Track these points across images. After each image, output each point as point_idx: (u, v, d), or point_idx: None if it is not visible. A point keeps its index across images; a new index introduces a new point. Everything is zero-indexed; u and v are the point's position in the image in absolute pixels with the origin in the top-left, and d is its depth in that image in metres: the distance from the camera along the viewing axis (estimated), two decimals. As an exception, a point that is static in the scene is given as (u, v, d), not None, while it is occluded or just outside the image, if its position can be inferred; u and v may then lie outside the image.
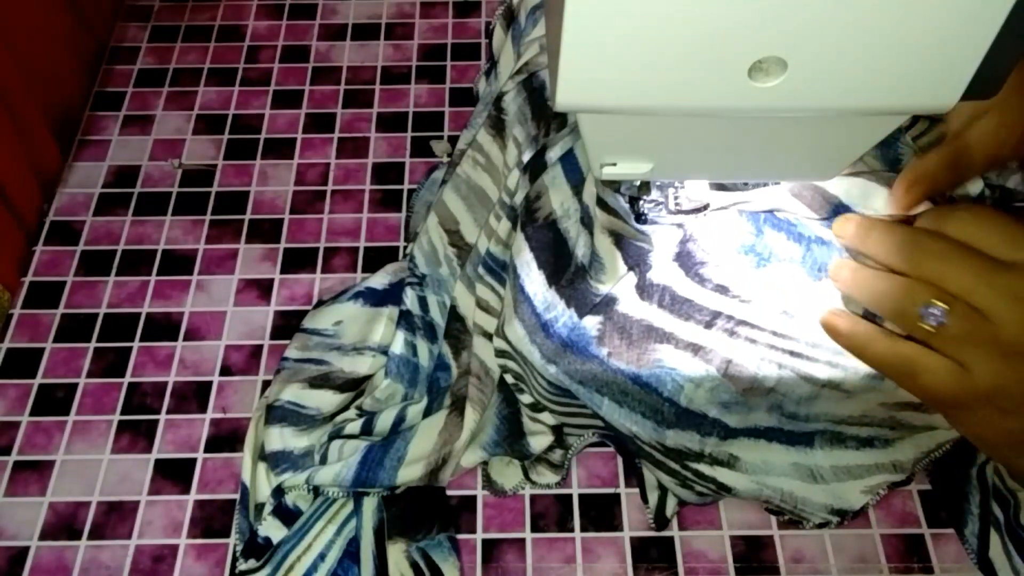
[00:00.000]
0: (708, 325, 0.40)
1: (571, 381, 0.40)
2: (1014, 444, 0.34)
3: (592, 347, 0.40)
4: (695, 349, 0.39)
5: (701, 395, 0.39)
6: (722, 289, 0.40)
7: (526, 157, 0.44)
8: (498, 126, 0.48)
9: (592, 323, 0.40)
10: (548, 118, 0.45)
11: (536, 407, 0.47)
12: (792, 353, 0.39)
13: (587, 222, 0.42)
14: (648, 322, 0.40)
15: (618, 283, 0.41)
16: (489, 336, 0.47)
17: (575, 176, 0.42)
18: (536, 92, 0.46)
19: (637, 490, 0.48)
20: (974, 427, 0.35)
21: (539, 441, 0.47)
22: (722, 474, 0.42)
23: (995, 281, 0.33)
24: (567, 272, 0.42)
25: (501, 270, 0.46)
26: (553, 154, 0.43)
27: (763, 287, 0.40)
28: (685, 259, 0.41)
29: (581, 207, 0.42)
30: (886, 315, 0.35)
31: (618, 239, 0.42)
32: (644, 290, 0.41)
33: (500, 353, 0.45)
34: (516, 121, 0.46)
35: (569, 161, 0.42)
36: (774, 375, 0.39)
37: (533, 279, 0.41)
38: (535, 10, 0.49)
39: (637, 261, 0.41)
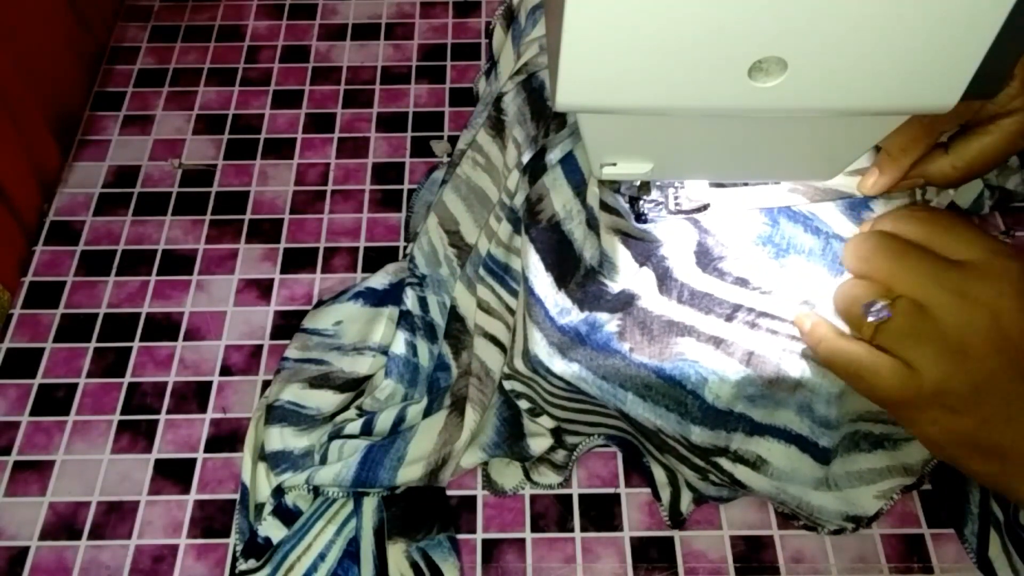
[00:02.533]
0: (729, 318, 0.40)
1: (594, 377, 0.40)
2: (963, 444, 0.34)
3: (613, 343, 0.40)
4: (717, 342, 0.39)
5: (727, 390, 0.39)
6: (742, 282, 0.40)
7: (526, 158, 0.44)
8: (498, 127, 0.48)
9: (611, 319, 0.40)
10: (548, 118, 0.45)
11: (534, 412, 0.47)
12: None
13: (593, 224, 0.42)
14: (668, 317, 0.40)
15: (635, 280, 0.41)
16: (490, 337, 0.47)
17: (576, 178, 0.42)
18: (535, 92, 0.46)
19: (637, 490, 0.48)
20: (924, 427, 0.34)
21: (539, 443, 0.47)
22: (741, 472, 0.42)
23: (941, 277, 0.33)
24: (576, 275, 0.42)
25: (503, 272, 0.46)
26: (553, 156, 0.43)
27: (783, 278, 0.40)
28: (703, 254, 0.41)
29: (585, 209, 0.42)
30: (839, 316, 0.36)
31: (623, 238, 0.42)
32: (663, 286, 0.41)
33: (509, 376, 0.45)
34: (516, 122, 0.46)
35: (570, 163, 0.42)
36: (797, 366, 0.39)
37: (541, 281, 0.41)
38: (535, 10, 0.49)
39: (647, 257, 0.41)
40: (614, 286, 0.41)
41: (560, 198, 0.42)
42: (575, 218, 0.42)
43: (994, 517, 0.45)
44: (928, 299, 0.33)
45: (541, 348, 0.41)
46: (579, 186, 0.42)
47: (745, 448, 0.42)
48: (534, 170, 0.43)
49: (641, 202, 0.43)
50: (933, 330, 0.33)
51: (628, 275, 0.41)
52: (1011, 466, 0.34)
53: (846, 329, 0.37)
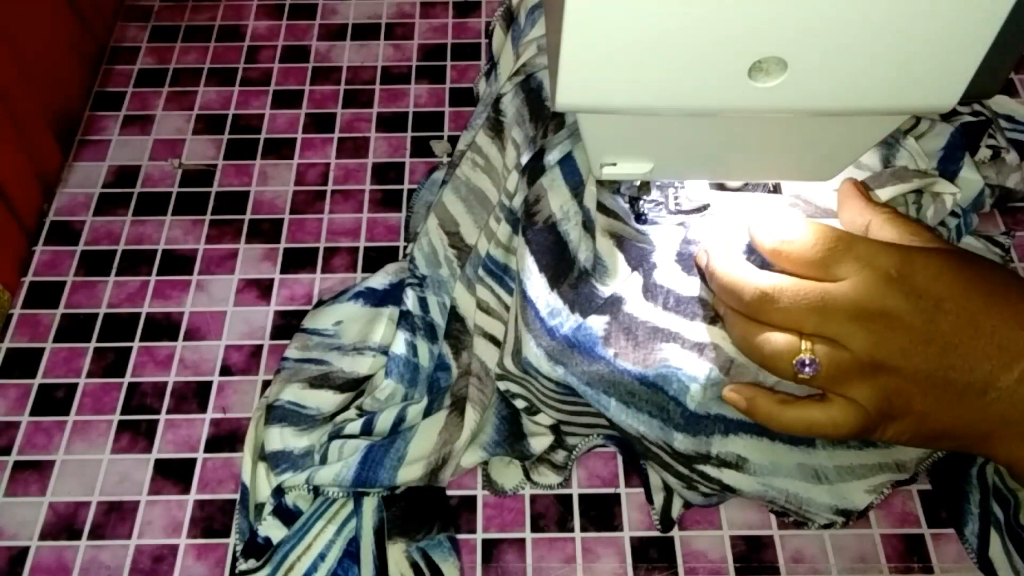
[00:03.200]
0: (713, 320, 0.40)
1: (579, 383, 0.40)
2: (921, 437, 0.36)
3: (598, 348, 0.40)
4: (700, 349, 0.39)
5: (708, 395, 0.39)
6: None
7: (524, 159, 0.44)
8: (496, 128, 0.48)
9: (598, 324, 0.40)
10: (546, 119, 0.45)
11: (530, 411, 0.47)
12: None
13: (589, 226, 0.42)
14: (653, 324, 0.40)
15: (623, 284, 0.41)
16: (489, 337, 0.47)
17: (574, 179, 0.42)
18: (533, 93, 0.46)
19: (637, 490, 0.48)
20: (885, 436, 0.36)
21: (539, 442, 0.47)
22: (728, 475, 0.42)
23: (829, 308, 0.34)
24: (569, 276, 0.42)
25: (502, 272, 0.46)
26: (552, 157, 0.43)
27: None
28: (687, 259, 0.41)
29: (582, 211, 0.42)
30: (767, 370, 0.37)
31: (619, 241, 0.42)
32: (649, 291, 0.41)
33: (502, 377, 0.45)
34: (514, 123, 0.46)
35: (568, 164, 0.42)
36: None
37: (535, 283, 0.41)
38: (534, 10, 0.49)
39: (640, 262, 0.41)
40: (605, 289, 0.41)
41: (557, 199, 0.42)
42: (571, 219, 0.42)
43: (994, 517, 0.45)
44: (829, 332, 0.34)
45: (531, 351, 0.41)
46: (577, 187, 0.42)
47: (725, 450, 0.42)
48: (532, 171, 0.43)
49: (641, 202, 0.43)
50: (849, 359, 0.34)
51: (620, 279, 0.41)
52: (968, 441, 0.35)
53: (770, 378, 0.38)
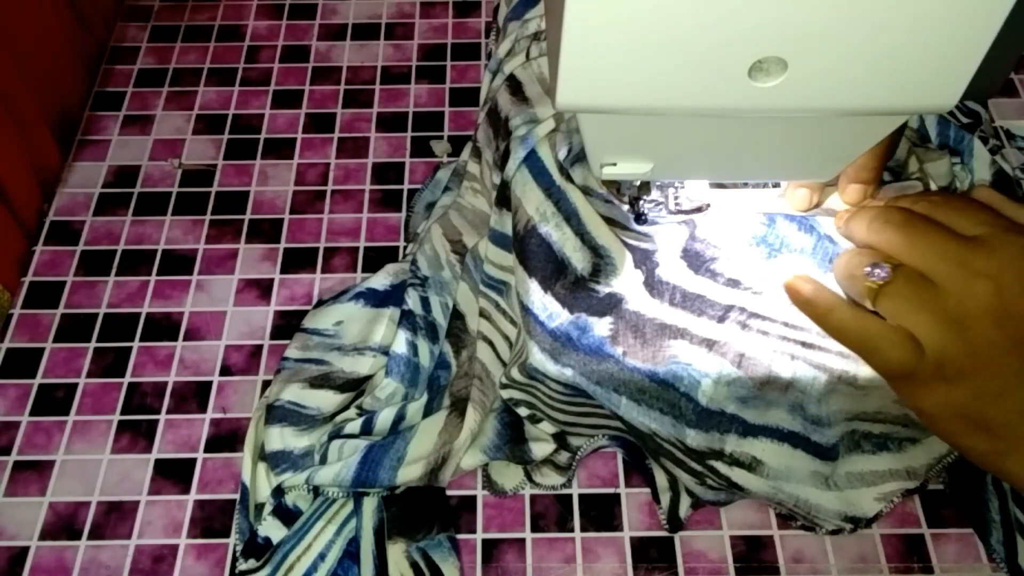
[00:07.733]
0: (721, 319, 0.40)
1: (588, 382, 0.40)
2: (956, 418, 0.34)
3: (606, 347, 0.40)
4: (709, 344, 0.39)
5: (720, 391, 0.39)
6: (734, 283, 0.40)
7: (496, 179, 0.45)
8: (477, 154, 0.49)
9: (603, 323, 0.40)
10: (499, 137, 0.45)
11: (534, 419, 0.47)
12: (804, 344, 0.39)
13: (573, 224, 0.42)
14: (660, 320, 0.40)
15: (624, 283, 0.41)
16: (489, 343, 0.47)
17: (545, 179, 0.43)
18: (492, 113, 0.47)
19: (637, 490, 0.48)
20: (921, 401, 0.34)
21: (541, 448, 0.47)
22: (738, 474, 0.42)
23: (946, 249, 0.33)
24: (562, 278, 0.42)
25: (500, 284, 0.47)
26: (511, 167, 0.43)
27: (774, 278, 0.40)
28: (693, 256, 0.41)
29: (560, 212, 0.42)
30: (839, 281, 0.36)
31: (622, 243, 0.42)
32: (653, 288, 0.41)
33: (506, 386, 0.45)
34: (485, 146, 0.47)
35: (535, 165, 0.43)
36: (788, 366, 0.39)
37: (528, 289, 0.41)
38: (507, 23, 0.50)
39: (643, 261, 0.41)
40: (604, 288, 0.41)
41: (532, 202, 0.42)
42: (550, 220, 0.42)
43: (1017, 522, 0.45)
44: (931, 269, 0.33)
45: (535, 355, 0.41)
46: (549, 187, 0.42)
47: (740, 450, 0.42)
48: (500, 195, 0.44)
49: (641, 202, 0.43)
50: (933, 298, 0.33)
51: (623, 276, 0.41)
52: (1001, 443, 0.33)
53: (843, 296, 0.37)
